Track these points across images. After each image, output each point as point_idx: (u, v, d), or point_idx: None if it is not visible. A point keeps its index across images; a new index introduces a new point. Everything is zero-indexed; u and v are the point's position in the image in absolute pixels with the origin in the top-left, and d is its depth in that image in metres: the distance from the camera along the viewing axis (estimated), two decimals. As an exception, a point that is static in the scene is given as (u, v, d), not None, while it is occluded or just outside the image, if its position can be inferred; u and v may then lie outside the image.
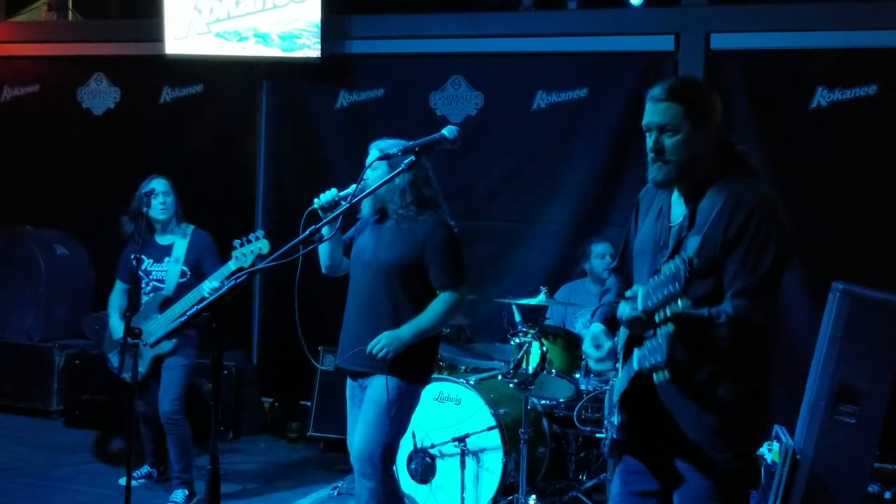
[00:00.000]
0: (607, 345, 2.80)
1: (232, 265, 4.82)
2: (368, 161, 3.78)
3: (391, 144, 3.86)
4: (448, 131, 3.12)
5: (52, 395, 7.00)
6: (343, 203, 3.83)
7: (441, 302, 3.97)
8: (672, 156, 2.68)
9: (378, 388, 3.90)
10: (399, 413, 3.93)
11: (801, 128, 6.13)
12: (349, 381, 4.11)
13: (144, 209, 5.15)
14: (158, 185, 5.23)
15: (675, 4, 6.45)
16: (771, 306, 2.62)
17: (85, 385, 6.70)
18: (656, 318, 2.40)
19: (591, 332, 2.85)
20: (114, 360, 5.29)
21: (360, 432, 3.93)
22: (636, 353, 2.52)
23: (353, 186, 3.83)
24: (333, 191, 3.89)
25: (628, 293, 2.61)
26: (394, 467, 4.12)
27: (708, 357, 2.63)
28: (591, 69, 6.59)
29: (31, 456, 6.07)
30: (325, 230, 3.74)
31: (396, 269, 3.92)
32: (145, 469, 5.58)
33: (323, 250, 4.10)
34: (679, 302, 2.35)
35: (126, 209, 5.29)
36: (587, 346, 2.83)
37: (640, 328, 2.54)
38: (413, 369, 3.96)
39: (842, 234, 6.00)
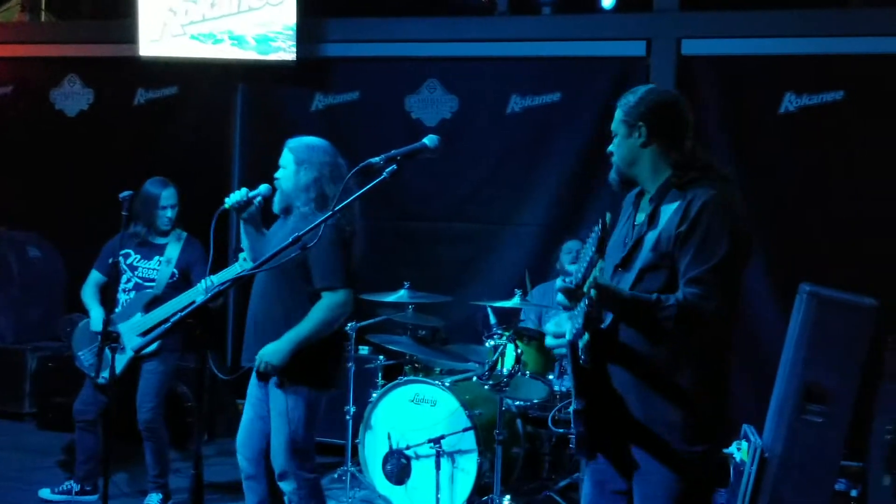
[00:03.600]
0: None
1: (237, 267, 4.54)
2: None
3: (303, 143, 4.04)
4: (429, 140, 3.15)
5: (24, 397, 6.95)
6: (255, 201, 4.04)
7: (319, 307, 3.87)
8: (615, 157, 2.92)
9: (274, 395, 3.92)
10: (299, 417, 3.89)
11: (770, 132, 6.22)
12: (252, 379, 4.10)
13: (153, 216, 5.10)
14: (170, 197, 5.14)
15: (647, 10, 6.52)
16: (725, 301, 2.68)
17: (58, 387, 6.61)
18: (585, 289, 2.52)
19: (560, 317, 2.88)
20: (84, 357, 5.13)
21: (272, 440, 3.95)
22: (567, 325, 2.67)
23: (265, 186, 4.04)
24: (244, 190, 4.04)
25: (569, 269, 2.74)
26: (312, 472, 4.02)
27: (659, 341, 2.70)
28: (565, 74, 6.64)
29: (2, 458, 6.03)
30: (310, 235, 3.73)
31: (284, 268, 3.78)
32: (66, 485, 5.28)
33: (245, 248, 4.16)
34: (597, 266, 2.49)
35: (98, 211, 5.21)
36: (549, 323, 2.90)
37: (572, 299, 2.62)
38: (303, 373, 3.91)
39: (809, 236, 6.09)
